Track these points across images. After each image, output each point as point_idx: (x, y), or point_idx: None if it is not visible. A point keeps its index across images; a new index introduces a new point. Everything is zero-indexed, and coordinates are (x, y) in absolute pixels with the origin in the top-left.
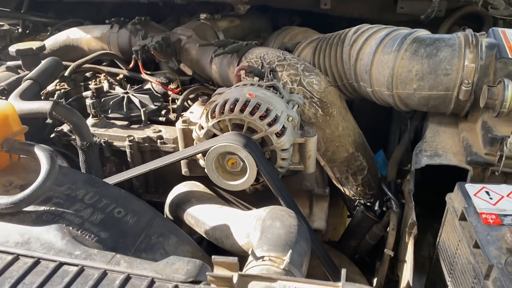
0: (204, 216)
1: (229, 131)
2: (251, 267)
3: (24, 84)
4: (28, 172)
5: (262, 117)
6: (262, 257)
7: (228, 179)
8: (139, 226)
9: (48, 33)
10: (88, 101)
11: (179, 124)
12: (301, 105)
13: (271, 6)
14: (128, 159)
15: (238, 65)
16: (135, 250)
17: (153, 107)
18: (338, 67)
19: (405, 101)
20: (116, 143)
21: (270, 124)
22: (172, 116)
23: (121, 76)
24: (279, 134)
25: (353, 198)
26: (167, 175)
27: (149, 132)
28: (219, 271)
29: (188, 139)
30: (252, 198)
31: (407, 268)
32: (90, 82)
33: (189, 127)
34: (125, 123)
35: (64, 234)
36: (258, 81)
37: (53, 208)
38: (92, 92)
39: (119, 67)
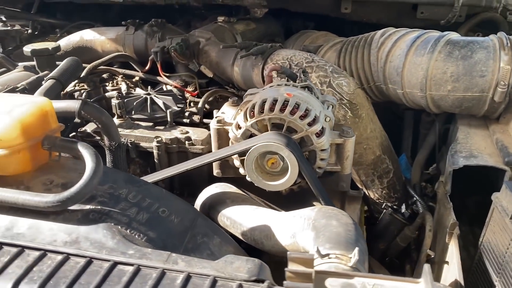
0: (241, 218)
1: (267, 131)
2: (318, 265)
3: (47, 83)
4: (67, 171)
5: (302, 117)
6: (327, 255)
7: (266, 179)
8: (184, 226)
9: (59, 35)
10: (114, 101)
11: (213, 124)
12: (335, 106)
13: (289, 9)
14: (155, 160)
15: (263, 67)
16: (183, 250)
17: (176, 108)
18: (365, 69)
19: (438, 102)
20: (142, 144)
21: (310, 124)
22: (196, 118)
23: (137, 78)
24: (319, 134)
25: (377, 201)
26: (193, 177)
27: (177, 133)
28: (293, 267)
29: (222, 139)
30: (278, 201)
31: (452, 269)
32: (107, 84)
33: (224, 127)
34: (149, 124)
35: (114, 233)
36: (287, 81)
37: (99, 207)
38: (118, 93)
39: (133, 69)
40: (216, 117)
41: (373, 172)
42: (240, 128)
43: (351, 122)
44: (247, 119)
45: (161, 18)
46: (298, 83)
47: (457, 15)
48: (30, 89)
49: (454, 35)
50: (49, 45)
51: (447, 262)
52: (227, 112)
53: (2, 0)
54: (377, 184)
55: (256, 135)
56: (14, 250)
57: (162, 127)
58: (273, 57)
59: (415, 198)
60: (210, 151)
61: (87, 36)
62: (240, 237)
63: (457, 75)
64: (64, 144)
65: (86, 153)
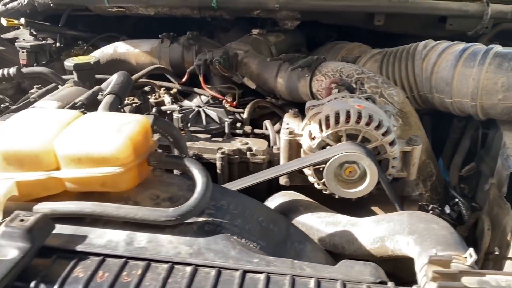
0: (317, 224)
1: (340, 141)
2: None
3: (108, 98)
4: (166, 185)
5: (376, 128)
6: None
7: (343, 187)
8: (282, 234)
9: (85, 47)
10: (176, 115)
11: (285, 136)
12: (394, 115)
13: (321, 22)
14: (218, 171)
15: (311, 78)
16: (289, 258)
17: (228, 120)
18: (409, 79)
19: (487, 110)
20: (205, 156)
21: (384, 134)
22: (247, 128)
23: (174, 90)
24: (391, 144)
25: (420, 204)
26: (252, 187)
27: (237, 144)
28: (433, 268)
29: (292, 150)
30: (334, 208)
31: None
32: (149, 96)
33: (295, 138)
34: (207, 136)
35: (233, 243)
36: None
37: (210, 219)
38: (180, 106)
39: (168, 81)
40: (287, 129)
41: (418, 176)
42: (314, 138)
43: (402, 130)
44: (322, 130)
45: (180, 29)
46: (359, 94)
47: (484, 26)
48: (87, 104)
49: (499, 48)
50: (90, 59)
51: (510, 258)
52: (291, 123)
53: (28, 14)
54: (421, 187)
55: (331, 146)
56: (142, 263)
57: (219, 139)
58: (321, 69)
59: (456, 200)
60: (270, 161)
61: (121, 48)
62: (318, 243)
63: (508, 85)
64: (170, 160)
65: (194, 168)
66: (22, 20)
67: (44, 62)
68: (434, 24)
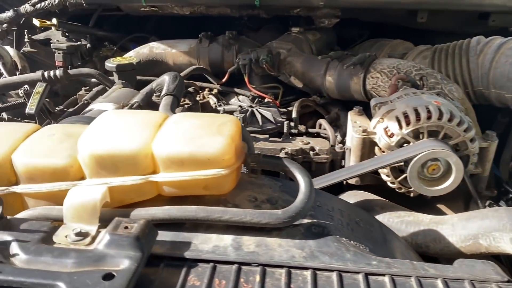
0: (397, 224)
1: (421, 138)
2: None
3: (168, 100)
4: (259, 186)
5: (458, 124)
6: None
7: (425, 185)
8: (380, 234)
9: (115, 48)
10: (237, 115)
11: (357, 134)
12: (464, 110)
13: (360, 19)
14: (280, 171)
15: (365, 76)
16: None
17: (281, 119)
18: (464, 75)
19: None
20: None
21: (465, 130)
22: (301, 128)
23: (215, 90)
24: (472, 140)
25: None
26: None
27: (299, 144)
28: None
29: (365, 148)
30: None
31: None
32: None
33: (369, 136)
34: (265, 136)
35: (345, 246)
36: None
37: (315, 220)
38: (240, 106)
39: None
40: (360, 127)
41: None
42: (392, 136)
43: None
44: (401, 127)
45: (202, 30)
46: (426, 90)
47: None
48: (143, 105)
49: None
50: (131, 59)
51: None
52: (359, 121)
53: (54, 14)
54: None
55: (409, 143)
56: (257, 269)
57: (277, 139)
58: (375, 66)
59: (511, 195)
60: (332, 161)
61: (157, 49)
62: None
63: None
64: (269, 161)
65: (295, 168)
66: (54, 21)
67: (79, 63)
68: (474, 20)
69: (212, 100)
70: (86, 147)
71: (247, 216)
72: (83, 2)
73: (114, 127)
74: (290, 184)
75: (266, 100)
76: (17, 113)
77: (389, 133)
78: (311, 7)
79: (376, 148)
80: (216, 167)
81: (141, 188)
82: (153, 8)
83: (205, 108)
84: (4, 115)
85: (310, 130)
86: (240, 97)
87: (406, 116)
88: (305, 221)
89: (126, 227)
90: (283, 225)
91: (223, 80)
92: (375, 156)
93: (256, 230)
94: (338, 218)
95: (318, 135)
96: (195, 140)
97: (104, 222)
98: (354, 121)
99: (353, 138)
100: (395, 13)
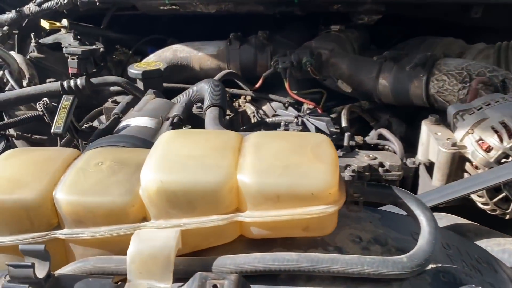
0: (499, 253)
1: None
2: None
3: (214, 112)
4: (355, 220)
5: None
6: None
7: None
8: (500, 273)
9: (130, 52)
10: (293, 128)
11: (445, 148)
12: None
13: (405, 15)
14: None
15: (428, 78)
16: None
17: (335, 130)
18: None
19: None
20: None
21: None
22: (358, 139)
23: (248, 97)
24: None
25: None
26: None
27: (365, 159)
28: None
29: (454, 164)
30: None
31: None
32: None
33: (459, 151)
34: None
35: None
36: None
37: (439, 265)
38: (295, 117)
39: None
40: (447, 139)
41: None
42: (491, 150)
43: None
44: (502, 140)
45: (218, 30)
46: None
47: None
48: (184, 117)
49: None
50: (157, 65)
51: None
52: (441, 132)
53: (62, 15)
54: None
55: (508, 158)
56: None
57: (341, 153)
58: (440, 68)
59: None
60: (404, 178)
61: (181, 52)
62: None
63: None
64: (376, 191)
65: (410, 200)
66: (65, 22)
67: (94, 70)
68: None
69: (250, 109)
70: (153, 181)
71: (364, 266)
72: (96, 0)
73: (183, 153)
74: (390, 215)
75: (308, 107)
76: (25, 129)
77: (485, 147)
78: (354, 2)
79: (468, 164)
80: (321, 203)
81: (222, 230)
82: (174, 7)
83: (242, 118)
84: (12, 131)
85: (368, 141)
86: (273, 103)
87: (505, 126)
88: (429, 266)
89: (215, 285)
90: (410, 275)
91: (257, 85)
92: (467, 173)
93: (371, 282)
94: (461, 259)
95: (375, 146)
96: (292, 170)
97: (177, 275)
98: (435, 132)
99: (440, 153)
100: (446, 8)
